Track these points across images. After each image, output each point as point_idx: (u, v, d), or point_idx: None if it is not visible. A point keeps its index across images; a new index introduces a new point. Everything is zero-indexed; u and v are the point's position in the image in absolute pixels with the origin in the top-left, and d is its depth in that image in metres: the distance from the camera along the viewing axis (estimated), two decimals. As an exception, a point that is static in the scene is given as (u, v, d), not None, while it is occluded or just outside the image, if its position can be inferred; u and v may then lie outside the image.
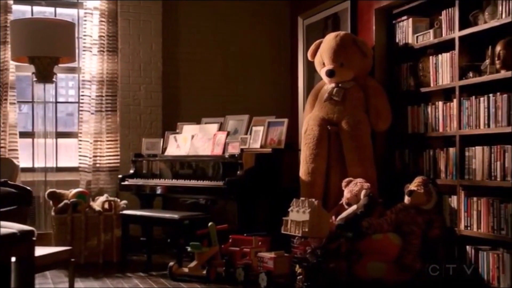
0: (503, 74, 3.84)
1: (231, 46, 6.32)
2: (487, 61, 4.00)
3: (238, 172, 4.89)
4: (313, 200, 4.23)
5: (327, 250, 4.16)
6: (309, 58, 5.12)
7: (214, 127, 5.37)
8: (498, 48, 3.88)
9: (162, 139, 5.69)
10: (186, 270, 4.44)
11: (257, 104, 6.21)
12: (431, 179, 4.39)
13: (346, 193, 4.55)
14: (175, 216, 4.70)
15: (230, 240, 4.65)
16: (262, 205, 5.45)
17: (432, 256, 4.32)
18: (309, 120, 4.90)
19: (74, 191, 5.20)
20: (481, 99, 4.01)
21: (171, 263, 4.49)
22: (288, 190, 4.98)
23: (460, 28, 4.18)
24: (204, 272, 4.34)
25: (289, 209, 4.34)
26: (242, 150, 5.02)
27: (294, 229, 4.24)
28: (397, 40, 4.89)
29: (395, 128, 4.86)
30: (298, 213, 4.24)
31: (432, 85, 4.51)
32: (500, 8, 3.88)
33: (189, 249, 4.45)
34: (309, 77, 5.95)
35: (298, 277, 4.17)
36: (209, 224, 4.56)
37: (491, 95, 3.93)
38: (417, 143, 4.70)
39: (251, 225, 4.95)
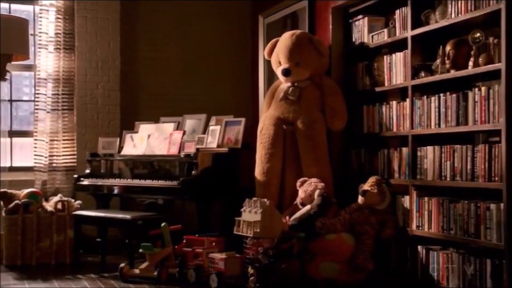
0: (453, 73, 3.83)
1: (192, 44, 6.25)
2: (438, 61, 3.99)
3: (193, 172, 4.82)
4: (265, 200, 4.19)
5: (279, 250, 4.12)
6: (266, 56, 5.08)
7: (170, 126, 5.30)
8: (448, 48, 3.88)
9: (119, 139, 5.60)
10: (137, 271, 4.37)
11: (218, 103, 6.15)
12: (385, 179, 4.38)
13: (301, 193, 4.51)
14: (127, 216, 4.63)
15: (184, 241, 4.59)
16: (220, 205, 5.42)
17: (385, 256, 4.32)
18: (264, 120, 4.86)
19: (26, 191, 5.09)
20: (432, 98, 4.01)
21: (122, 264, 4.41)
22: (245, 190, 4.93)
23: (413, 28, 4.17)
24: (155, 273, 4.27)
25: (242, 209, 4.30)
26: (197, 149, 4.96)
27: (246, 229, 4.19)
28: (353, 39, 4.87)
29: (351, 127, 4.84)
30: (250, 214, 4.19)
31: (386, 84, 4.50)
32: (449, 8, 3.87)
33: (140, 250, 4.38)
34: (270, 76, 5.90)
35: (251, 278, 4.13)
36: (162, 224, 4.50)
37: (441, 94, 3.93)
38: (372, 142, 4.69)
39: (208, 226, 4.90)
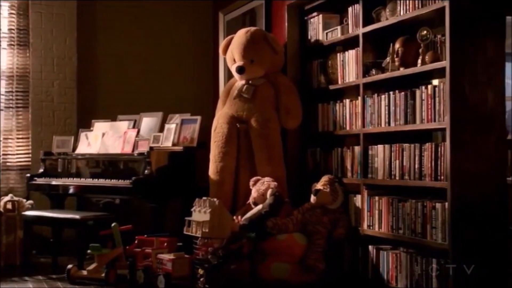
0: (401, 71, 3.79)
1: (152, 41, 6.14)
2: (388, 59, 3.95)
3: (146, 171, 4.74)
4: (215, 200, 4.12)
5: (228, 251, 4.05)
6: (221, 54, 5.02)
7: (125, 124, 5.21)
8: (397, 45, 3.83)
9: (73, 137, 5.49)
10: (85, 272, 4.27)
11: (179, 101, 6.05)
12: (338, 178, 4.33)
13: (253, 192, 4.45)
14: (77, 216, 4.53)
15: (136, 241, 4.50)
16: (177, 205, 5.32)
17: (338, 257, 4.27)
18: (218, 118, 4.79)
19: (-26, 191, 4.97)
20: (383, 96, 3.96)
21: (70, 266, 4.31)
22: (203, 189, 4.85)
23: (364, 25, 4.12)
24: (104, 274, 4.18)
25: (192, 209, 4.23)
26: (151, 148, 4.88)
27: (196, 229, 4.13)
28: (309, 37, 4.82)
29: (307, 126, 4.79)
30: (200, 213, 4.13)
31: (339, 82, 4.45)
32: (399, 5, 3.83)
33: (88, 251, 4.28)
34: (230, 73, 5.79)
35: (201, 279, 4.06)
36: (112, 224, 4.40)
37: (391, 92, 3.89)
38: (327, 141, 4.63)
39: (164, 225, 4.83)
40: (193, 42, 6.30)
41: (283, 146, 4.74)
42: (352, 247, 4.23)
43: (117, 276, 4.24)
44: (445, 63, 3.39)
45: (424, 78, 3.75)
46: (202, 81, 6.31)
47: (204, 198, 4.19)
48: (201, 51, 6.31)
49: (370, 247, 4.03)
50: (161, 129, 5.22)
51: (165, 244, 4.40)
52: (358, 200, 4.20)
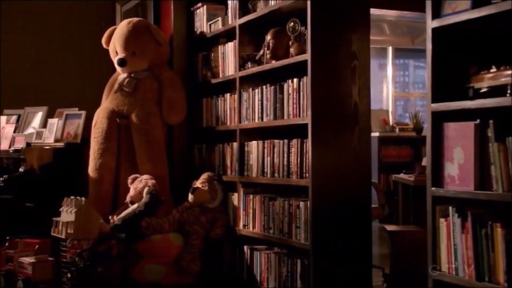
0: (271, 64, 3.65)
1: (45, 32, 5.82)
2: (262, 51, 3.80)
3: (20, 169, 4.47)
4: (82, 199, 3.89)
5: (95, 253, 3.83)
6: (104, 45, 4.77)
7: (3, 119, 4.92)
8: (268, 37, 3.69)
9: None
10: None
11: (73, 95, 5.75)
12: (218, 176, 4.17)
13: (131, 191, 4.23)
14: None
15: (7, 244, 4.23)
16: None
17: (215, 257, 4.12)
18: (98, 113, 4.54)
19: None
20: (256, 91, 3.81)
21: None
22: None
23: (241, 16, 3.96)
24: (-40, 281, 3.91)
25: (60, 209, 3.98)
26: (28, 144, 4.61)
27: (61, 230, 3.89)
28: (195, 29, 4.64)
29: (193, 121, 4.61)
30: (66, 213, 3.89)
31: (220, 75, 4.28)
32: (271, -5, 3.69)
33: None
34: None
35: (69, 283, 3.83)
36: (-22, 226, 4.13)
37: (264, 87, 3.74)
38: (211, 137, 4.46)
39: (45, 226, 4.57)
40: (91, 33, 5.98)
41: (169, 142, 4.55)
42: (230, 247, 4.07)
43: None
44: (307, 56, 3.25)
45: (297, 71, 3.60)
46: (98, 74, 6.03)
47: (72, 197, 3.95)
48: (99, 43, 6.02)
49: (245, 247, 3.88)
50: (45, 124, 4.96)
51: (36, 246, 4.14)
52: (235, 198, 4.04)
